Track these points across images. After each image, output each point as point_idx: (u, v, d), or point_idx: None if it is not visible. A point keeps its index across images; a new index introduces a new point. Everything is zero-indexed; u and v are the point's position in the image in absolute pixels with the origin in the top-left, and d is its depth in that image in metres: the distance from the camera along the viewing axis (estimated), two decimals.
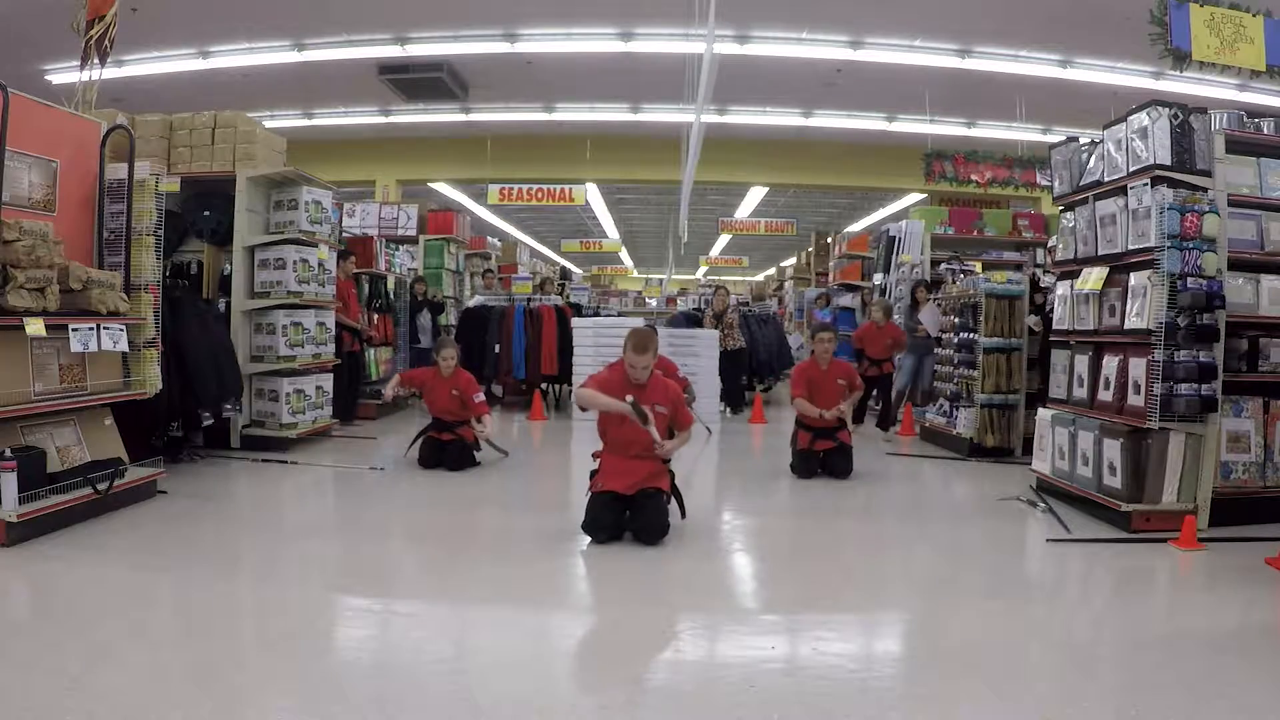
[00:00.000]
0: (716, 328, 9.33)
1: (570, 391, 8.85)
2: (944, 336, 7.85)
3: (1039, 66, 10.51)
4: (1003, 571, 4.00)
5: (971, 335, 7.15)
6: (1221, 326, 4.42)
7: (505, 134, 14.80)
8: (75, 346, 4.20)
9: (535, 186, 14.53)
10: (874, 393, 8.46)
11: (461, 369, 6.17)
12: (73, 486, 4.10)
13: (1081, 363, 5.14)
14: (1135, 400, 4.58)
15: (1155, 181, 4.53)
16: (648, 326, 5.12)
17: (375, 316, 8.86)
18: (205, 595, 3.28)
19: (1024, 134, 12.53)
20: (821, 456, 5.76)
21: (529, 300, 9.59)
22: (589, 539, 4.02)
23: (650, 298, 21.40)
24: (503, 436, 7.52)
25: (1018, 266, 9.20)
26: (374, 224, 11.55)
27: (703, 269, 33.85)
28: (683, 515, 4.35)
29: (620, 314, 12.19)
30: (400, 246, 10.98)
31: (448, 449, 5.84)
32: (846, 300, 11.89)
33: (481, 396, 6.01)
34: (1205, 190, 4.52)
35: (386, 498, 5.18)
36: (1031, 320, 6.95)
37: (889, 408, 8.30)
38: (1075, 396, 5.18)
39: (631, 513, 4.10)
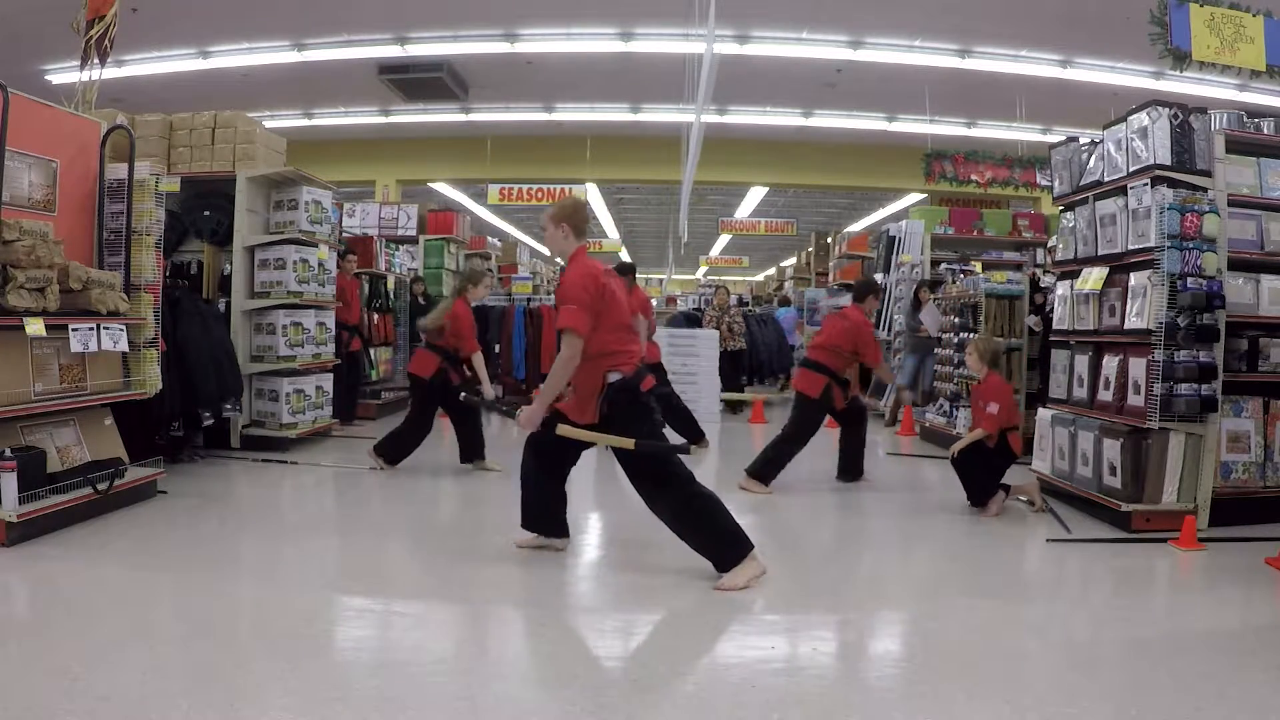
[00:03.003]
0: (718, 328, 9.34)
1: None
2: (944, 336, 7.86)
3: (1039, 66, 10.51)
4: (1003, 571, 4.00)
5: (972, 335, 7.15)
6: (1221, 326, 4.42)
7: (505, 134, 14.80)
8: (75, 346, 4.20)
9: (535, 186, 14.51)
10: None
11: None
12: (73, 486, 4.10)
13: (1081, 363, 5.13)
14: (1135, 400, 4.57)
15: (1155, 181, 4.53)
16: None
17: (375, 316, 8.87)
18: (205, 595, 3.28)
19: (1024, 134, 12.53)
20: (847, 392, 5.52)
21: (529, 300, 9.59)
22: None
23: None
24: (502, 438, 7.52)
25: (1018, 266, 9.20)
26: (374, 224, 11.54)
27: (703, 269, 33.85)
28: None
29: None
30: (400, 246, 10.98)
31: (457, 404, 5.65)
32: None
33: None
34: (1205, 190, 4.52)
35: (386, 498, 5.18)
36: (1031, 320, 6.95)
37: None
38: (1075, 396, 5.18)
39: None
